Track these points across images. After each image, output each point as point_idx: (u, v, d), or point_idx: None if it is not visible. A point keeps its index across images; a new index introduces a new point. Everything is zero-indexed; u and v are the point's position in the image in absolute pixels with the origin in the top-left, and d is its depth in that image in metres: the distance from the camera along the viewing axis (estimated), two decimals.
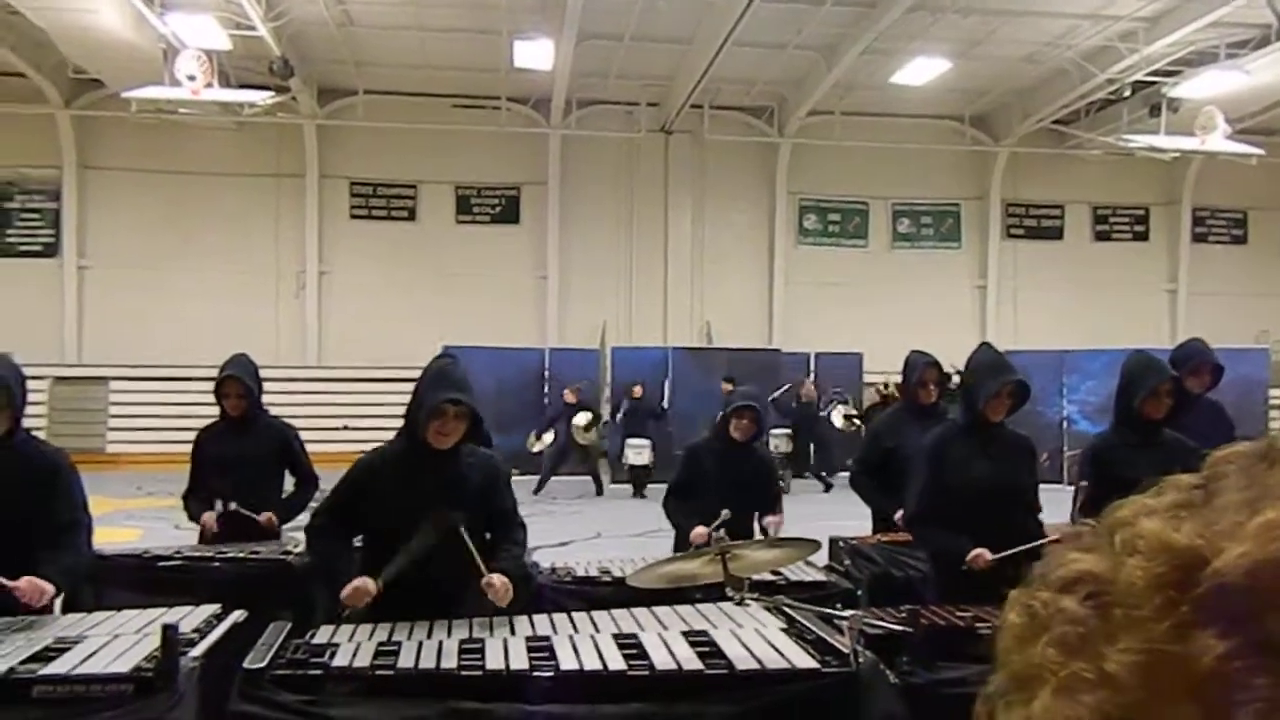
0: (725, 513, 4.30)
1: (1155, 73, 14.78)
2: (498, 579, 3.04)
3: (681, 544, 4.51)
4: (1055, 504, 4.27)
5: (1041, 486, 3.87)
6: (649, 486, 12.93)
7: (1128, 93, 15.77)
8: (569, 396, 13.65)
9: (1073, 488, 4.13)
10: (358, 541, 3.42)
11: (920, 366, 4.79)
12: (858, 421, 14.27)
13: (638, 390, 13.90)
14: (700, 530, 4.32)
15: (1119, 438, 3.80)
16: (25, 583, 3.02)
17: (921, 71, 15.48)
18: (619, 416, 13.86)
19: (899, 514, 4.22)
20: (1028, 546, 3.43)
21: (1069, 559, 0.46)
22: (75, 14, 12.11)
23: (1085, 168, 18.85)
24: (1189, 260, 19.66)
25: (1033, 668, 0.44)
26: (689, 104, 16.47)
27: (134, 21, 12.81)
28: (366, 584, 3.04)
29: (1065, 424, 14.51)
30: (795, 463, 14.03)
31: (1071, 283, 19.24)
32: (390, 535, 3.19)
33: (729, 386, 13.53)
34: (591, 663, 2.62)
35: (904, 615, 2.95)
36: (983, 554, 3.53)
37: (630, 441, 13.40)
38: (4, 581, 3.01)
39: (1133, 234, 19.90)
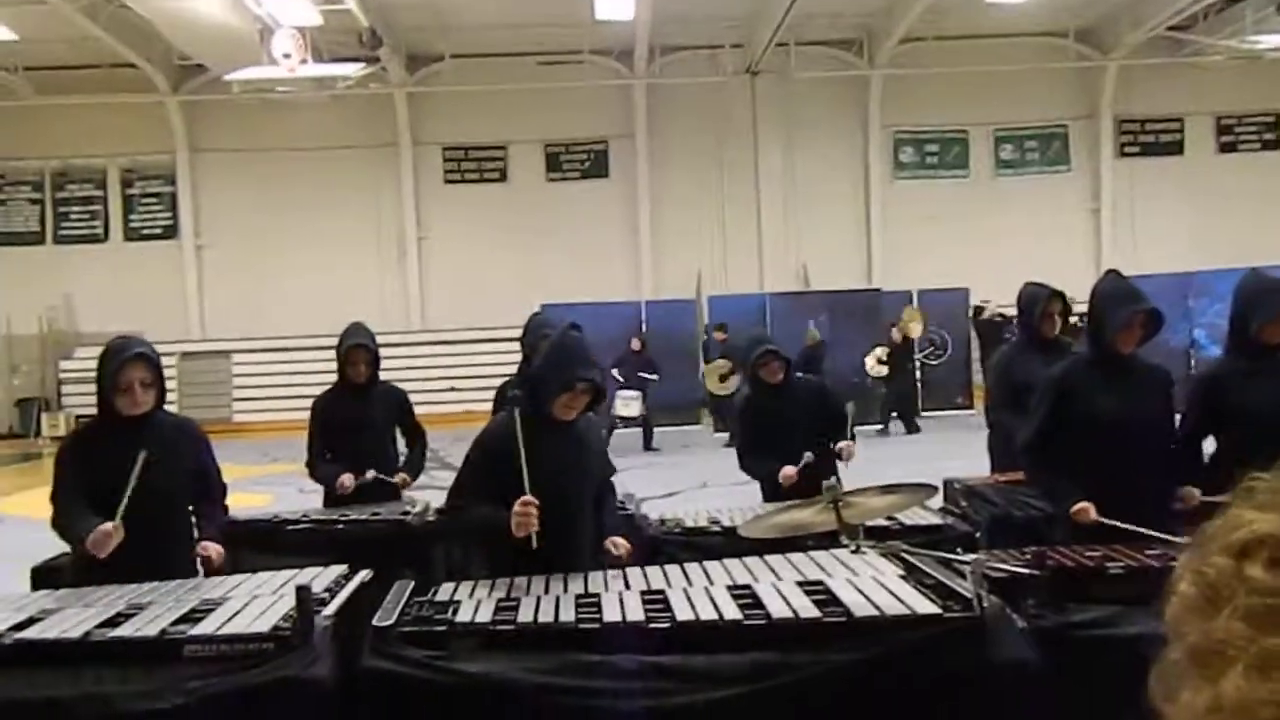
0: (808, 455, 4.30)
1: None
2: (623, 542, 3.09)
3: (770, 492, 4.49)
4: None
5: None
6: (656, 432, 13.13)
7: None
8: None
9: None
10: None
11: (1043, 298, 4.59)
12: (885, 368, 13.86)
13: (636, 343, 13.76)
14: (789, 470, 4.30)
15: (1234, 365, 3.54)
16: (214, 551, 3.39)
17: None
18: (614, 369, 13.58)
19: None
20: (1149, 533, 3.11)
21: (1245, 519, 0.41)
22: (178, 2, 12.55)
23: (1206, 75, 17.63)
24: None
25: (1216, 643, 0.40)
26: (774, 42, 16.04)
27: (232, 5, 13.19)
28: (530, 502, 2.94)
29: (1193, 349, 13.81)
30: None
31: (1195, 199, 18.13)
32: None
33: (722, 335, 13.40)
34: (707, 613, 2.63)
35: (1028, 557, 2.86)
36: (1088, 509, 3.30)
37: (620, 394, 13.23)
38: (203, 551, 3.38)
39: (1262, 143, 18.59)
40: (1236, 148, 18.59)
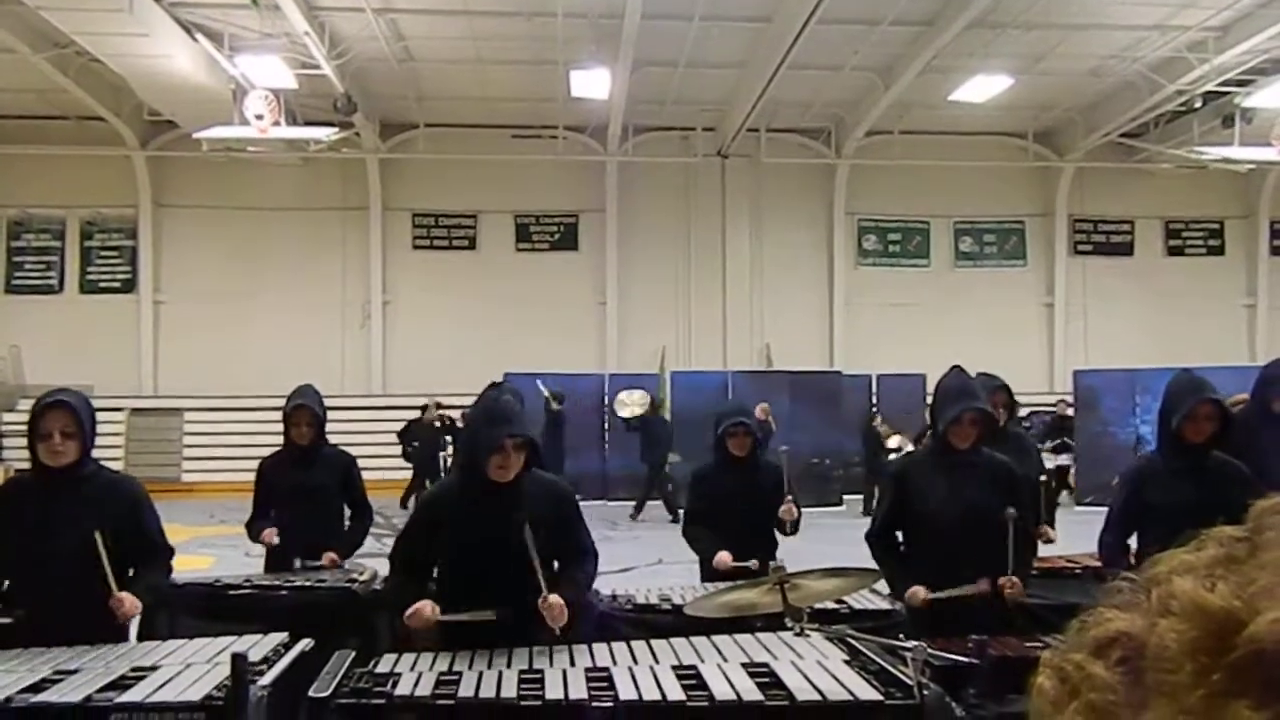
0: (753, 562, 4.26)
1: (1227, 82, 14.38)
2: (555, 599, 3.02)
3: (707, 570, 4.48)
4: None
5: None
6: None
7: (1199, 104, 15.36)
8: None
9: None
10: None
11: (989, 390, 4.70)
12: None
13: (760, 413, 13.70)
14: (724, 556, 4.31)
15: (1162, 461, 3.64)
16: (128, 601, 3.20)
17: (982, 88, 15.28)
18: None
19: None
20: (963, 591, 3.40)
21: (1105, 617, 0.44)
22: (151, 60, 12.63)
23: (1156, 181, 18.38)
24: (1268, 274, 19.00)
25: None
26: (745, 128, 16.49)
27: (206, 64, 13.31)
28: (433, 610, 3.06)
29: (1139, 445, 14.07)
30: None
31: (1144, 299, 18.74)
32: (461, 571, 3.21)
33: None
34: (651, 693, 2.60)
35: (970, 646, 2.87)
36: (917, 591, 3.50)
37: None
38: (115, 602, 3.17)
39: (1207, 248, 19.31)
40: (1184, 251, 19.30)
